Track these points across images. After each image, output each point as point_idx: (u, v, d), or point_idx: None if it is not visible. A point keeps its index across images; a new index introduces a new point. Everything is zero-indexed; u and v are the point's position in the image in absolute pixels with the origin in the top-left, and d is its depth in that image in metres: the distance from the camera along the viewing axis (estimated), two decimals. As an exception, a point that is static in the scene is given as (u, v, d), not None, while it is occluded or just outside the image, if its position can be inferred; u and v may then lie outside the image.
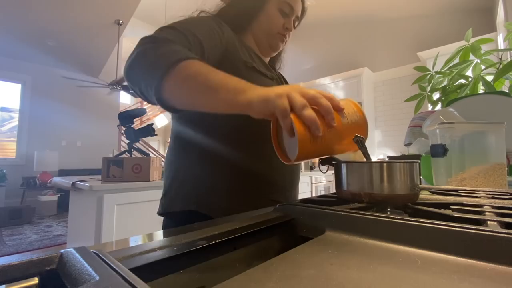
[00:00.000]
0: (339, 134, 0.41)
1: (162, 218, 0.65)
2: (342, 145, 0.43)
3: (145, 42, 0.49)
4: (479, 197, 0.44)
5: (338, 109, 0.41)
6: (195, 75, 0.43)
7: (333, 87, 4.12)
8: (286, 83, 0.77)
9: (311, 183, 2.96)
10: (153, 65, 0.45)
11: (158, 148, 8.54)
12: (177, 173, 0.63)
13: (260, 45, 0.74)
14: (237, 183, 0.61)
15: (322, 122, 0.38)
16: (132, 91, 0.56)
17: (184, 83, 0.44)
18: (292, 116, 0.37)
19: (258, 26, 0.71)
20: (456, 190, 0.53)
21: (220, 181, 0.60)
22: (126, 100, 7.67)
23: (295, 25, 0.76)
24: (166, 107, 0.47)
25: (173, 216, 0.62)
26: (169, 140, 0.70)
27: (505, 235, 0.21)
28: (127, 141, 1.86)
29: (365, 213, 0.30)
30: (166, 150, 0.64)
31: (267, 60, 0.79)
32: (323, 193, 3.10)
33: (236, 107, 0.41)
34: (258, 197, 0.61)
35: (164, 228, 0.63)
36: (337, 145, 0.43)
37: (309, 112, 0.37)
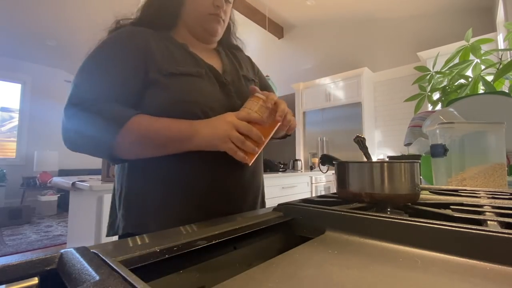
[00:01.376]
0: (269, 135, 0.57)
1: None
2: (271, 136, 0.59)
3: (74, 113, 0.51)
4: (479, 197, 0.44)
5: (260, 126, 0.55)
6: (139, 139, 0.50)
7: (333, 87, 4.12)
8: (216, 71, 0.64)
9: (311, 183, 2.96)
10: (98, 134, 0.49)
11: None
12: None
13: (195, 34, 0.66)
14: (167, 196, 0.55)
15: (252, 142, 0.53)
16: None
17: (132, 147, 0.51)
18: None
19: (187, 14, 0.64)
20: (456, 190, 0.53)
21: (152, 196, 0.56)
22: (126, 100, 7.68)
23: (231, 0, 0.67)
24: (116, 161, 0.54)
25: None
26: None
27: (505, 235, 0.21)
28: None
29: (365, 213, 0.30)
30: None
31: (213, 45, 0.72)
32: (323, 193, 3.10)
33: (186, 151, 0.52)
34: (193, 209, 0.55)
35: None
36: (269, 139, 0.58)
37: (247, 144, 0.51)
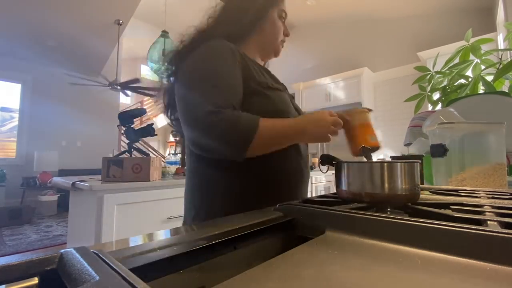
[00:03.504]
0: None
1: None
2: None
3: (214, 119, 0.55)
4: (479, 197, 0.44)
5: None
6: (270, 139, 0.59)
7: (333, 87, 4.12)
8: (284, 86, 0.79)
9: (311, 183, 2.96)
10: (233, 138, 0.56)
11: (158, 148, 8.53)
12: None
13: (263, 51, 0.76)
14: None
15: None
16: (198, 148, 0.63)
17: (265, 146, 0.59)
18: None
19: (263, 34, 0.73)
20: (456, 190, 0.53)
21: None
22: (126, 100, 7.67)
23: None
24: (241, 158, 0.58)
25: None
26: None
27: (505, 235, 0.21)
28: (127, 141, 1.86)
29: (365, 213, 0.30)
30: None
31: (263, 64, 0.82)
32: (323, 193, 3.10)
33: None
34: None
35: None
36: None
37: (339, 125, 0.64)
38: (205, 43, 0.64)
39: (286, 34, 0.76)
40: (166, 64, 0.70)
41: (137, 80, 4.35)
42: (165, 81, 0.72)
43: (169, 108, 0.74)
